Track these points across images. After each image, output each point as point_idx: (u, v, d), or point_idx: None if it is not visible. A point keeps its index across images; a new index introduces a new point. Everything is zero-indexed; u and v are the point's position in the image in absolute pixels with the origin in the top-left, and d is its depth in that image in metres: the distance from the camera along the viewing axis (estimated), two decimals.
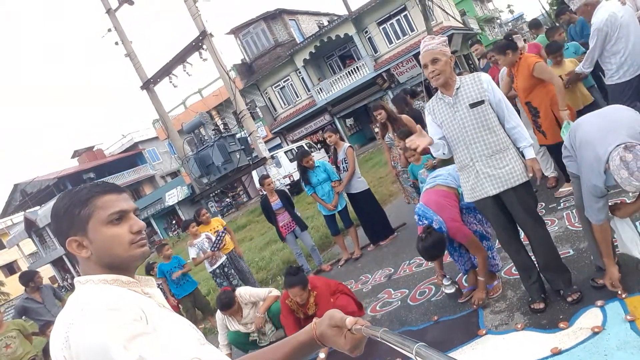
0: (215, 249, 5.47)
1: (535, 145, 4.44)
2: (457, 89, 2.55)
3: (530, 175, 2.57)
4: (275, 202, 5.66)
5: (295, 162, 18.76)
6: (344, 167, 5.49)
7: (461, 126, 2.54)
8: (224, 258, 5.63)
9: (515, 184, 2.51)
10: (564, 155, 2.52)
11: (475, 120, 2.50)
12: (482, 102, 2.50)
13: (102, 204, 1.02)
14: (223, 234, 5.53)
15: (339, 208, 5.56)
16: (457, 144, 2.60)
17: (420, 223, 3.06)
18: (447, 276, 3.24)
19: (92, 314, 0.87)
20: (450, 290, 3.16)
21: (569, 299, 2.52)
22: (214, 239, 5.52)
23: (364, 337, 0.98)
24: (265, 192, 5.80)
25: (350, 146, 5.53)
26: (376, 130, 23.80)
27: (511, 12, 51.16)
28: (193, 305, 5.63)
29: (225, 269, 5.66)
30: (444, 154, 2.66)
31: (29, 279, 4.97)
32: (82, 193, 1.03)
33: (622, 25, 3.47)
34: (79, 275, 1.04)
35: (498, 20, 42.45)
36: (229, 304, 3.78)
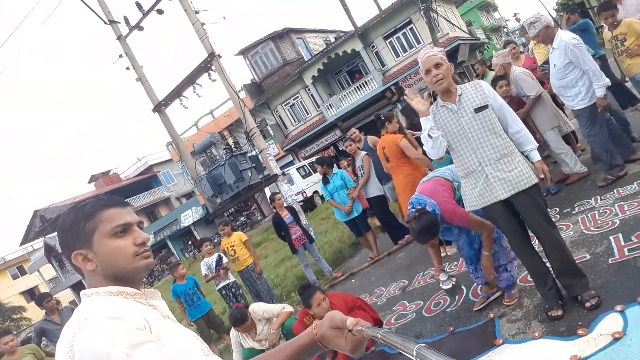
0: (217, 270, 5.78)
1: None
2: (459, 95, 2.57)
3: (542, 177, 2.54)
4: (287, 216, 5.93)
5: (308, 179, 18.67)
6: (361, 174, 5.72)
7: (467, 132, 2.54)
8: (230, 280, 5.87)
9: (526, 186, 2.49)
10: None
11: (481, 124, 2.51)
12: (486, 106, 2.52)
13: (106, 217, 1.05)
14: (220, 258, 5.82)
15: (355, 214, 5.75)
16: (463, 150, 2.58)
17: (414, 212, 3.01)
18: (445, 270, 3.16)
19: (96, 323, 0.89)
20: (448, 285, 3.05)
21: (587, 305, 2.45)
22: (214, 263, 5.80)
23: (365, 337, 0.99)
24: (275, 209, 6.06)
25: (366, 154, 5.72)
26: None
27: (518, 20, 51.09)
28: (207, 325, 5.65)
29: (233, 290, 5.87)
30: (433, 149, 2.61)
31: (41, 301, 5.07)
32: (86, 207, 1.06)
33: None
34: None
35: (505, 29, 42.47)
36: (241, 320, 3.78)
